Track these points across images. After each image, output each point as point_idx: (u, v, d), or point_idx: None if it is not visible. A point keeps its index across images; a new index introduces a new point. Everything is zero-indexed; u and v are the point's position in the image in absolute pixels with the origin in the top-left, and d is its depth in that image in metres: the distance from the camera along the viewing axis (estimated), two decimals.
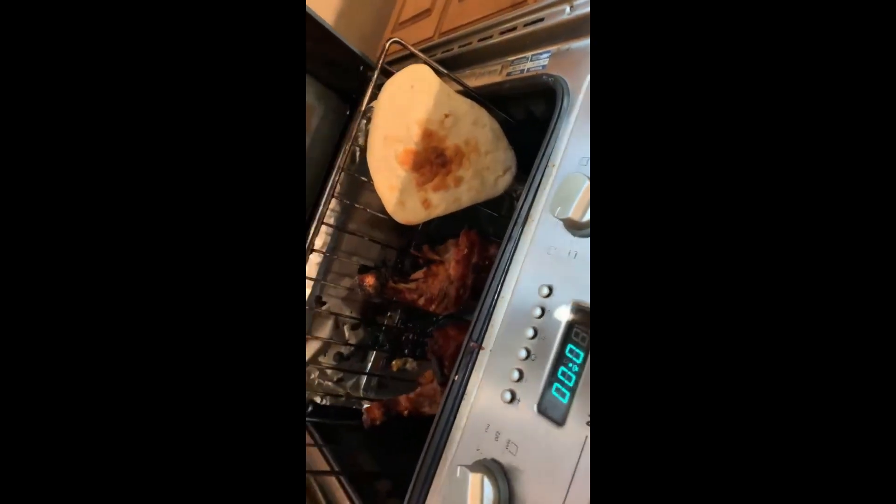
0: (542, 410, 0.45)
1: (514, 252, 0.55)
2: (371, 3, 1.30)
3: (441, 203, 0.72)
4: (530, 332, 0.48)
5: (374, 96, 0.69)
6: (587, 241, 0.46)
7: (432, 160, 0.70)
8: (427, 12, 0.95)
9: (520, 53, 0.70)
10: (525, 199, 0.56)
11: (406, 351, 0.99)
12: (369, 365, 0.97)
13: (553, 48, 0.64)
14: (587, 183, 0.43)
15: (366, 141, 0.70)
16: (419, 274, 0.75)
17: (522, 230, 0.54)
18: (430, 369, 0.80)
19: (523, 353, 0.49)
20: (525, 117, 0.77)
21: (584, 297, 0.45)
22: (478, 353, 0.56)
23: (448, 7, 0.88)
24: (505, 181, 0.78)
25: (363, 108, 0.67)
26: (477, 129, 0.74)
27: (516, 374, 0.49)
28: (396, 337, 0.98)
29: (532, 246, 0.53)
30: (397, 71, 0.69)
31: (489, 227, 0.87)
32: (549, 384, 0.45)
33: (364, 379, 0.97)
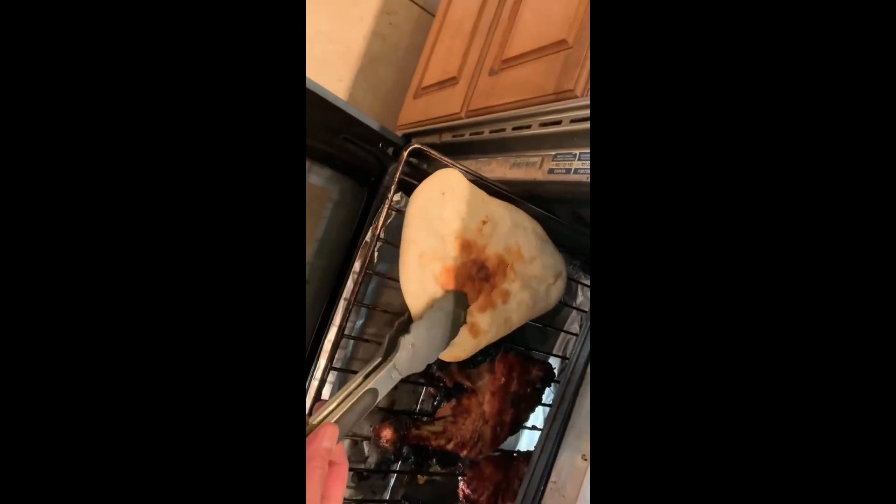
0: None
1: None
2: (389, 62, 1.20)
3: (491, 327, 0.59)
4: None
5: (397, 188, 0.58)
6: None
7: (473, 275, 0.59)
8: (453, 80, 0.84)
9: (564, 149, 0.58)
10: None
11: (434, 460, 0.87)
12: (391, 482, 0.85)
13: None
14: None
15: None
16: (446, 410, 0.63)
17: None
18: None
19: None
20: (571, 218, 0.65)
21: None
22: None
23: (478, 79, 0.77)
24: (558, 290, 0.66)
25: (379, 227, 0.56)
26: (518, 232, 0.62)
27: None
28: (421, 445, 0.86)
29: None
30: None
31: (532, 341, 0.74)
32: None
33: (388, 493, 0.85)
